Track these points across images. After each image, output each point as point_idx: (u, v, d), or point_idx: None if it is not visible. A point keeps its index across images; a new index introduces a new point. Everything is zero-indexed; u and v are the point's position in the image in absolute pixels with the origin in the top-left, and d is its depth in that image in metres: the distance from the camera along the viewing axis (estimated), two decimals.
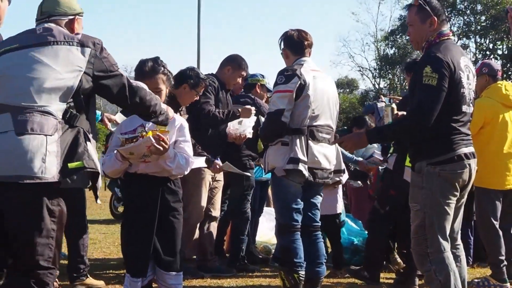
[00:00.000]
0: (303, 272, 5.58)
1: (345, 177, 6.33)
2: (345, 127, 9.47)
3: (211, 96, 6.83)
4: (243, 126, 6.94)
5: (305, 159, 5.51)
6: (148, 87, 4.37)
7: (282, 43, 5.96)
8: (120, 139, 4.56)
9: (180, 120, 4.92)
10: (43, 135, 3.66)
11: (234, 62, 7.22)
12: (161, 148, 4.55)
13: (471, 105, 4.71)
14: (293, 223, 5.61)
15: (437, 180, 4.58)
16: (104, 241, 9.35)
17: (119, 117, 6.35)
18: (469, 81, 4.69)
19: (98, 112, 6.24)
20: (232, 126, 6.98)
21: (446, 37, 4.77)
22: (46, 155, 3.63)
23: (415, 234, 4.72)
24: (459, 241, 4.88)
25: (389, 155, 6.75)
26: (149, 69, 4.95)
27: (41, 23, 4.05)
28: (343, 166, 6.08)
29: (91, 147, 3.95)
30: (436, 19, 4.72)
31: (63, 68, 3.81)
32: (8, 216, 3.71)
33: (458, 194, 4.69)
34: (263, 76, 7.88)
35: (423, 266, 4.69)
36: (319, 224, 5.92)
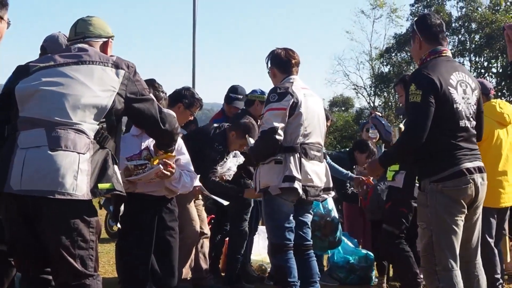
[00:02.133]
0: None
1: (333, 194, 6.33)
2: (346, 148, 9.43)
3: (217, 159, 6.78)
4: (224, 168, 6.86)
5: (299, 177, 5.52)
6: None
7: (269, 62, 5.98)
8: (129, 166, 4.50)
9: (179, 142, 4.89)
10: (76, 153, 3.73)
11: (242, 131, 6.83)
12: (169, 174, 4.54)
13: (471, 119, 4.78)
14: (286, 242, 5.60)
15: (440, 197, 4.65)
16: (101, 257, 9.29)
17: None
18: (466, 95, 4.77)
19: None
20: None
21: (438, 55, 4.86)
22: (78, 173, 3.70)
23: (424, 252, 4.79)
24: (478, 259, 4.90)
25: (393, 172, 6.69)
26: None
27: (75, 43, 4.15)
28: (332, 184, 6.08)
29: (118, 171, 3.99)
30: (421, 38, 4.88)
31: (98, 87, 3.89)
32: (45, 231, 3.77)
33: (465, 210, 4.72)
34: (263, 93, 7.83)
35: (432, 284, 4.74)
36: (311, 242, 5.91)
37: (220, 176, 6.78)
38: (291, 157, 5.55)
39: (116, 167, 3.97)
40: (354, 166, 8.77)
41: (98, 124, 3.88)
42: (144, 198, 4.74)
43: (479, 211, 4.88)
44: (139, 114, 4.10)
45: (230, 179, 6.89)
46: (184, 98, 6.37)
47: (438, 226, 4.66)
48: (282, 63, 5.89)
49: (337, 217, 7.40)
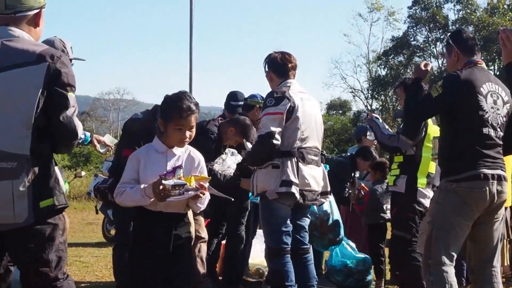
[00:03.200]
0: None
1: (330, 198, 6.32)
2: (348, 153, 9.37)
3: (212, 144, 6.75)
4: (224, 166, 6.87)
5: (297, 181, 5.51)
6: (184, 125, 4.28)
7: (266, 66, 5.98)
8: (167, 187, 4.13)
9: (199, 157, 4.60)
10: (8, 180, 3.56)
11: (241, 129, 6.92)
12: (202, 196, 4.35)
13: (498, 129, 4.92)
14: (283, 246, 5.60)
15: (452, 196, 4.84)
16: (96, 264, 9.29)
17: (108, 138, 6.35)
18: (497, 106, 4.93)
19: (87, 134, 6.23)
20: (214, 164, 6.88)
21: (473, 65, 5.08)
22: (14, 201, 3.55)
23: (422, 245, 5.04)
24: (494, 265, 4.98)
25: (394, 177, 6.67)
26: (186, 108, 4.52)
27: (4, 26, 3.80)
28: (329, 188, 6.07)
29: (59, 173, 3.85)
30: (458, 51, 5.16)
31: (19, 94, 3.60)
32: (14, 259, 3.85)
33: (474, 214, 4.84)
34: (263, 98, 7.83)
35: (424, 277, 4.96)
36: (308, 246, 5.91)
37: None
38: (289, 162, 5.54)
39: (57, 170, 3.82)
40: (353, 173, 8.77)
41: (28, 135, 3.60)
42: (162, 214, 4.43)
43: (498, 218, 4.97)
44: (49, 104, 3.68)
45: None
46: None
47: (441, 222, 4.85)
48: (279, 67, 5.89)
49: (336, 215, 7.39)
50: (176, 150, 4.43)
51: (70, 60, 5.42)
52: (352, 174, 8.71)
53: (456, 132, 4.91)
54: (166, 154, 4.41)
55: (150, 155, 4.43)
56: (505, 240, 7.42)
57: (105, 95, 73.11)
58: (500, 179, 4.86)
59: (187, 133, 4.35)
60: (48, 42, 5.38)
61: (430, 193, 6.37)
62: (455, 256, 4.89)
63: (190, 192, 4.22)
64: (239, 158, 6.99)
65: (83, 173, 15.19)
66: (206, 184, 4.35)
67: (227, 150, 7.07)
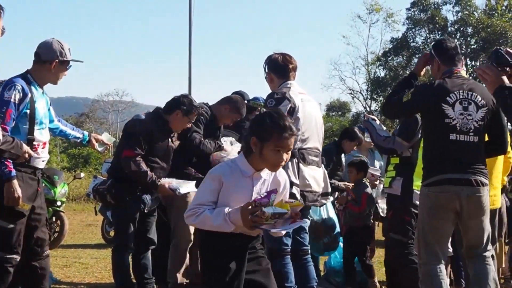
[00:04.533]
0: None
1: (331, 199, 6.31)
2: (335, 139, 9.37)
3: (201, 126, 6.82)
4: (229, 154, 6.91)
5: (297, 182, 5.52)
6: (283, 147, 3.88)
7: (267, 67, 5.98)
8: (266, 214, 3.67)
9: (284, 178, 4.15)
10: None
11: (234, 105, 7.11)
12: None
13: (471, 134, 5.13)
14: (283, 247, 5.61)
15: (426, 200, 5.18)
16: (95, 266, 9.30)
17: (106, 137, 6.35)
18: (468, 112, 5.13)
19: (86, 133, 6.24)
20: (216, 156, 6.93)
21: (448, 74, 5.33)
22: None
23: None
24: (486, 254, 5.21)
25: (390, 179, 6.67)
26: (288, 127, 4.17)
27: None
28: (330, 189, 6.08)
29: None
30: (439, 61, 5.44)
31: None
32: None
33: (449, 215, 5.08)
34: None
35: (419, 275, 5.25)
36: (308, 247, 5.91)
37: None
38: (289, 162, 5.51)
39: None
40: (339, 156, 8.65)
41: None
42: (237, 236, 3.93)
43: (475, 218, 5.14)
44: None
45: None
46: (182, 105, 6.38)
47: (421, 225, 5.22)
48: (279, 68, 5.89)
49: (332, 220, 7.40)
50: (263, 173, 3.94)
51: (68, 62, 5.45)
52: (335, 159, 8.53)
53: (426, 140, 5.30)
54: (252, 177, 3.93)
55: (235, 177, 3.88)
56: (502, 241, 7.42)
57: (104, 97, 73.04)
58: (469, 183, 5.03)
59: (284, 156, 3.82)
60: (45, 43, 5.41)
61: None
62: (443, 253, 5.18)
63: (289, 221, 3.82)
64: (238, 145, 7.01)
65: (82, 174, 15.19)
66: (299, 210, 3.90)
67: (225, 139, 7.09)
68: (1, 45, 4.71)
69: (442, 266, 5.12)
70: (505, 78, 4.62)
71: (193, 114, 6.47)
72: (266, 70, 5.98)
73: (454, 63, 5.40)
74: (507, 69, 4.65)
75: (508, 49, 4.86)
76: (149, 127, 6.29)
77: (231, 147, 7.00)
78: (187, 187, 6.37)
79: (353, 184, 7.95)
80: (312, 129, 5.79)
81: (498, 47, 4.95)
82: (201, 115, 6.81)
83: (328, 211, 7.39)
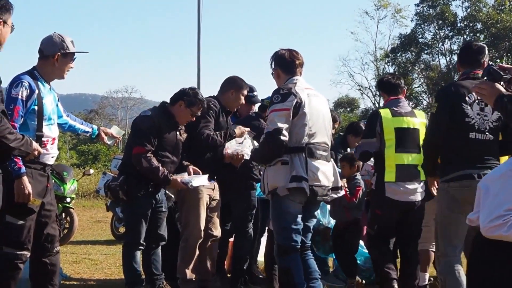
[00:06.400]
0: None
1: (342, 193, 6.29)
2: (340, 133, 9.36)
3: (211, 120, 6.79)
4: (242, 147, 6.92)
5: (306, 176, 5.51)
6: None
7: (273, 63, 5.96)
8: None
9: None
10: None
11: (235, 84, 7.12)
12: None
13: (487, 133, 5.43)
14: (292, 244, 5.61)
15: (445, 195, 5.40)
16: (105, 262, 9.33)
17: (115, 130, 6.36)
18: (484, 113, 5.44)
19: (95, 127, 6.24)
20: (230, 147, 6.95)
21: (466, 75, 5.61)
22: None
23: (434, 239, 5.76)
24: None
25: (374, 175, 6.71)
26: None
27: None
28: (340, 183, 6.07)
29: None
30: (459, 63, 5.83)
31: None
32: None
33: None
34: None
35: (438, 267, 5.60)
36: (309, 244, 5.92)
37: (236, 154, 6.90)
38: (297, 157, 5.53)
39: None
40: (343, 150, 8.63)
41: None
42: None
43: None
44: None
45: (248, 158, 6.91)
46: (186, 96, 6.39)
47: (441, 218, 5.44)
48: (286, 63, 5.88)
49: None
50: None
51: (72, 54, 5.47)
52: (339, 153, 8.52)
53: (447, 138, 5.43)
54: None
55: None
56: None
57: (113, 94, 73.29)
58: None
59: None
60: (47, 38, 5.44)
61: (412, 185, 6.43)
62: (461, 246, 5.40)
63: None
64: (249, 139, 7.05)
65: (91, 171, 15.25)
66: None
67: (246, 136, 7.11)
68: (11, 42, 4.71)
69: (458, 257, 5.38)
70: (501, 87, 4.63)
71: (196, 107, 6.45)
72: (273, 66, 5.97)
73: (473, 65, 5.63)
74: (502, 83, 4.67)
75: (501, 64, 4.89)
76: (156, 121, 6.31)
77: (244, 142, 7.01)
78: (199, 180, 6.39)
79: (345, 179, 7.88)
80: (319, 124, 5.76)
81: (490, 63, 4.96)
82: (210, 109, 6.81)
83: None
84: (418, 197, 6.45)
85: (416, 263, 6.61)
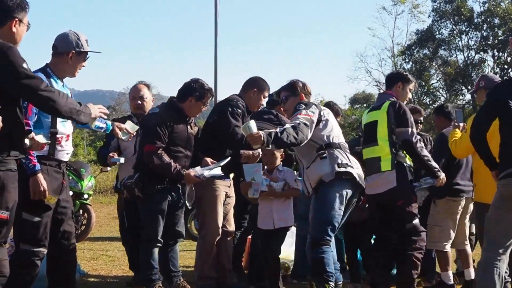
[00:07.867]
0: (333, 283, 5.88)
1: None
2: (358, 135, 9.31)
3: (240, 119, 6.79)
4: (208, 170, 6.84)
5: (351, 164, 5.98)
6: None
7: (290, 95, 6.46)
8: None
9: None
10: None
11: (257, 84, 7.12)
12: None
13: None
14: (326, 237, 5.92)
15: (497, 193, 5.39)
16: (122, 258, 9.32)
17: (129, 125, 6.35)
18: None
19: (109, 122, 6.23)
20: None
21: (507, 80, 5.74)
22: None
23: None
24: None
25: None
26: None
27: None
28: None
29: None
30: None
31: None
32: None
33: None
34: None
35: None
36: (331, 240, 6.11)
37: (251, 154, 6.89)
38: (335, 150, 5.98)
39: None
40: None
41: None
42: None
43: None
44: None
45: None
46: (195, 91, 6.46)
47: (488, 214, 5.42)
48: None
49: None
50: None
51: (85, 53, 5.47)
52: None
53: (501, 136, 5.41)
54: None
55: None
56: None
57: None
58: None
59: None
60: (62, 35, 5.45)
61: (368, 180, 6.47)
62: (505, 244, 5.27)
63: None
64: None
65: (108, 168, 15.25)
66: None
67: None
68: (27, 40, 4.74)
69: (500, 256, 5.26)
70: None
71: (206, 98, 6.58)
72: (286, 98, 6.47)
73: None
74: None
75: None
76: (165, 117, 6.34)
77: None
78: (212, 171, 6.38)
79: None
80: (340, 133, 6.25)
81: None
82: (239, 108, 6.82)
83: None
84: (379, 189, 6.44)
85: (410, 262, 6.48)
